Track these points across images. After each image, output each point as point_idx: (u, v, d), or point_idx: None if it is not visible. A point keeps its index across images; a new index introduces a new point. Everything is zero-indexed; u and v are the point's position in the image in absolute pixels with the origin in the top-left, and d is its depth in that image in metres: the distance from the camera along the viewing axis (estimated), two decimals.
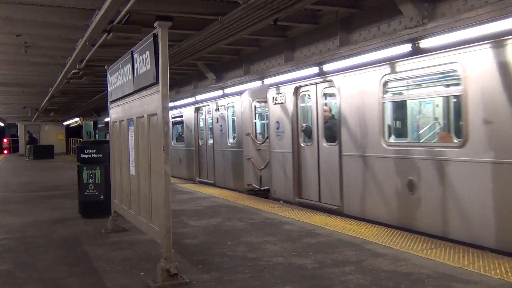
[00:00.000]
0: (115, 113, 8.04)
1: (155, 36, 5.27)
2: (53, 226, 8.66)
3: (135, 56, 6.19)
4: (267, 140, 11.60)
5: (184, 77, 17.10)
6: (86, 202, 9.34)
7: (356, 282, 5.07)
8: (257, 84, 12.20)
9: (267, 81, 11.43)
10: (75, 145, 34.12)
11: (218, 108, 13.83)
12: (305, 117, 10.44)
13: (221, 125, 13.76)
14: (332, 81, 9.01)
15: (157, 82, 5.33)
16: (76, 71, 13.20)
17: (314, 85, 9.69)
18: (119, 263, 6.08)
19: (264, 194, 11.96)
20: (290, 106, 10.34)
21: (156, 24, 5.16)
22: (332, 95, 9.72)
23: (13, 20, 8.77)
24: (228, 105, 13.40)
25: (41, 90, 20.50)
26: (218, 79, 14.21)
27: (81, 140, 35.72)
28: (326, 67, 9.12)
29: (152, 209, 5.78)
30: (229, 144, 13.33)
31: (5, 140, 45.78)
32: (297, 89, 10.19)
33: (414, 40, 7.33)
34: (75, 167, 9.78)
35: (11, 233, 8.12)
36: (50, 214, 9.93)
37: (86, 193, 9.25)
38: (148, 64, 5.62)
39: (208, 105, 14.74)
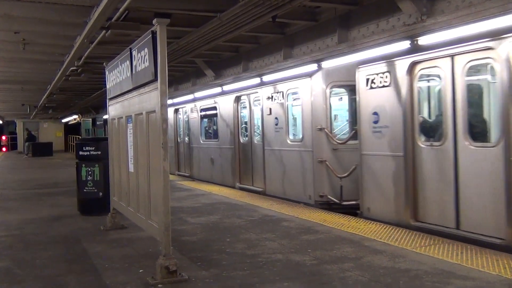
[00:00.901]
0: (113, 110, 8.04)
1: (154, 33, 5.26)
2: (51, 223, 8.67)
3: (134, 53, 6.19)
4: (352, 137, 9.26)
5: (183, 74, 17.06)
6: (85, 199, 9.34)
7: (354, 279, 5.08)
8: (335, 62, 9.39)
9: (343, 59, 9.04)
10: (74, 143, 34.12)
11: (272, 96, 10.96)
12: (422, 106, 7.83)
13: (276, 118, 10.90)
14: (490, 48, 6.23)
15: (155, 79, 5.33)
16: (75, 68, 13.15)
17: (449, 58, 6.90)
18: (118, 260, 6.08)
19: (345, 209, 9.17)
20: (400, 90, 7.58)
21: (154, 21, 5.15)
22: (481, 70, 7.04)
23: (11, 17, 8.75)
24: (289, 92, 10.54)
25: (40, 87, 20.46)
26: (217, 76, 14.18)
27: (80, 137, 35.69)
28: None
29: (151, 206, 5.79)
30: (289, 142, 10.54)
31: (3, 137, 45.73)
32: (413, 66, 7.43)
33: (413, 37, 7.34)
34: (73, 164, 9.78)
35: (10, 230, 8.12)
36: (48, 211, 9.93)
37: (85, 190, 9.25)
38: (146, 61, 5.62)
39: (257, 92, 11.87)
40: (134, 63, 6.23)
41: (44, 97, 23.18)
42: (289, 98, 10.65)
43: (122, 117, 7.36)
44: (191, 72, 16.22)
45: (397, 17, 7.47)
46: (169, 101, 17.37)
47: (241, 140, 12.95)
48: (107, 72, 8.18)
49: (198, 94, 15.62)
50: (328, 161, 9.63)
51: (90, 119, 39.21)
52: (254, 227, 7.80)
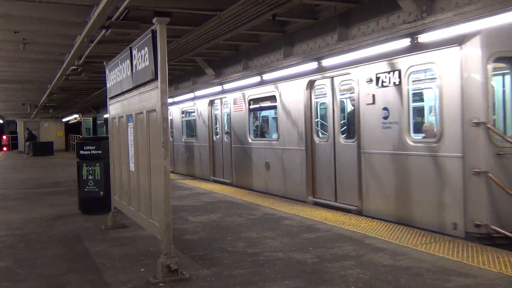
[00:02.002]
0: (114, 109, 8.04)
1: (154, 32, 5.26)
2: (53, 222, 8.68)
3: (134, 52, 6.19)
4: None
5: (183, 73, 17.06)
6: (86, 199, 9.35)
7: (355, 277, 5.09)
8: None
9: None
10: (74, 142, 34.16)
11: (379, 78, 8.04)
12: None
13: (385, 108, 7.96)
14: None
15: (156, 78, 5.33)
16: (75, 67, 13.15)
17: None
18: (119, 259, 6.09)
19: None
20: None
21: (154, 20, 5.15)
22: None
23: (11, 16, 8.76)
24: (413, 70, 7.55)
25: (40, 87, 20.46)
26: (217, 75, 14.17)
27: (81, 136, 35.72)
28: None
29: (152, 205, 5.80)
30: (411, 144, 7.52)
31: (4, 137, 45.81)
32: None
33: (413, 35, 7.34)
34: (74, 163, 9.79)
35: (11, 229, 8.13)
36: (49, 210, 9.94)
37: (85, 189, 9.27)
38: (146, 60, 5.62)
39: (348, 73, 8.89)
40: (134, 62, 6.24)
41: (45, 96, 23.19)
42: (410, 80, 7.63)
43: (122, 116, 7.37)
44: (191, 71, 16.22)
45: (397, 15, 7.46)
46: (203, 91, 15.24)
47: (316, 140, 9.96)
48: (107, 71, 8.18)
49: (246, 81, 12.38)
50: (492, 173, 6.50)
51: (91, 118, 39.25)
52: (255, 226, 7.81)
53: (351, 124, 9.16)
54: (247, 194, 11.43)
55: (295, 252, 6.11)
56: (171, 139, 18.01)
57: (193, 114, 16.30)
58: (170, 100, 17.98)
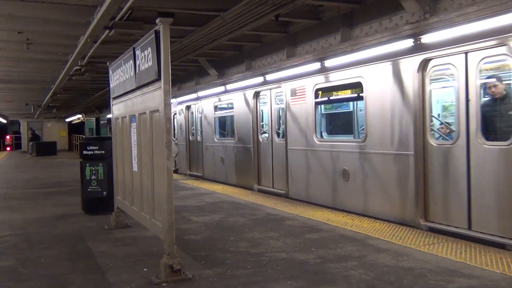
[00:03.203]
0: (117, 109, 8.06)
1: (157, 33, 5.28)
2: (56, 222, 8.70)
3: (137, 52, 6.20)
4: None
5: (186, 73, 17.09)
6: (89, 199, 9.37)
7: (358, 277, 5.09)
8: None
9: None
10: (77, 142, 34.21)
11: None
12: None
13: None
14: None
15: (159, 79, 5.34)
16: (78, 67, 13.20)
17: None
18: (122, 259, 6.10)
19: None
20: None
21: (157, 20, 5.17)
22: None
23: (15, 17, 8.80)
24: None
25: (43, 87, 20.53)
26: (220, 75, 14.19)
27: (84, 136, 35.80)
28: None
29: (154, 205, 5.81)
30: None
31: (7, 137, 45.96)
32: None
33: (415, 35, 7.33)
34: (77, 163, 9.81)
35: (14, 229, 8.15)
36: (53, 210, 9.97)
37: (89, 189, 9.29)
38: (150, 61, 5.63)
39: (503, 45, 6.07)
40: (137, 63, 6.25)
41: (48, 96, 23.26)
42: None
43: (125, 117, 7.38)
44: (194, 71, 16.25)
45: (400, 16, 7.47)
46: (247, 82, 12.41)
47: (432, 142, 7.19)
48: (110, 72, 8.20)
49: (310, 66, 9.77)
50: None
51: (94, 119, 39.33)
52: (257, 226, 7.81)
53: (490, 121, 6.59)
54: (249, 194, 11.43)
55: (297, 253, 6.12)
56: (199, 139, 16.48)
57: (230, 109, 14.01)
58: (201, 94, 15.78)
